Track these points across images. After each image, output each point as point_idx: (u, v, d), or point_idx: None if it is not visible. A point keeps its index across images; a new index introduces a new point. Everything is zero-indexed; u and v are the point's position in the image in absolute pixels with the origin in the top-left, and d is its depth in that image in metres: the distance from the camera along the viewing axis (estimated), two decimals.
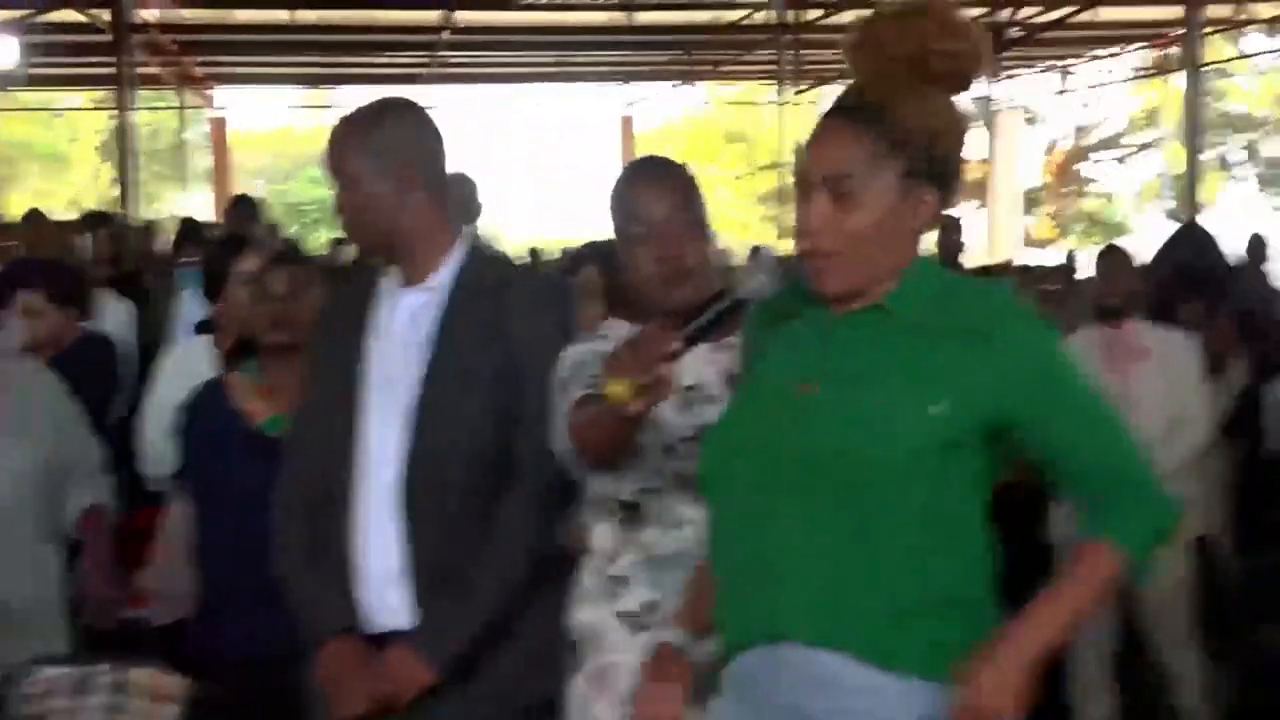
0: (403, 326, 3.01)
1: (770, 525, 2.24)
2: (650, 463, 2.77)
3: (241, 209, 7.96)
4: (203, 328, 4.94)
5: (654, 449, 2.75)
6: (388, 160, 2.96)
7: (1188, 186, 12.44)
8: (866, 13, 2.35)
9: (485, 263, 3.09)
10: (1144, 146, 38.82)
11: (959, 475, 2.23)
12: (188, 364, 4.57)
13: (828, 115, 2.28)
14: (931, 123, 2.25)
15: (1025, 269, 9.80)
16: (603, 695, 2.79)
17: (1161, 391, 5.45)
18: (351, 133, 2.99)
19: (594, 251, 3.83)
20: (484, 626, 2.89)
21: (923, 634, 2.20)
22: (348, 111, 3.09)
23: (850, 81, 2.33)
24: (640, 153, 31.24)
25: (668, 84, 29.20)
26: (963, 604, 2.24)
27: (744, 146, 42.34)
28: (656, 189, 2.86)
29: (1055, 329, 2.32)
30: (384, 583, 2.93)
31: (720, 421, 2.35)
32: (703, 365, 2.81)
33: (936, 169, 2.26)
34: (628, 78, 30.35)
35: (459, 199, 6.77)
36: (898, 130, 2.22)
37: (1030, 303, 2.32)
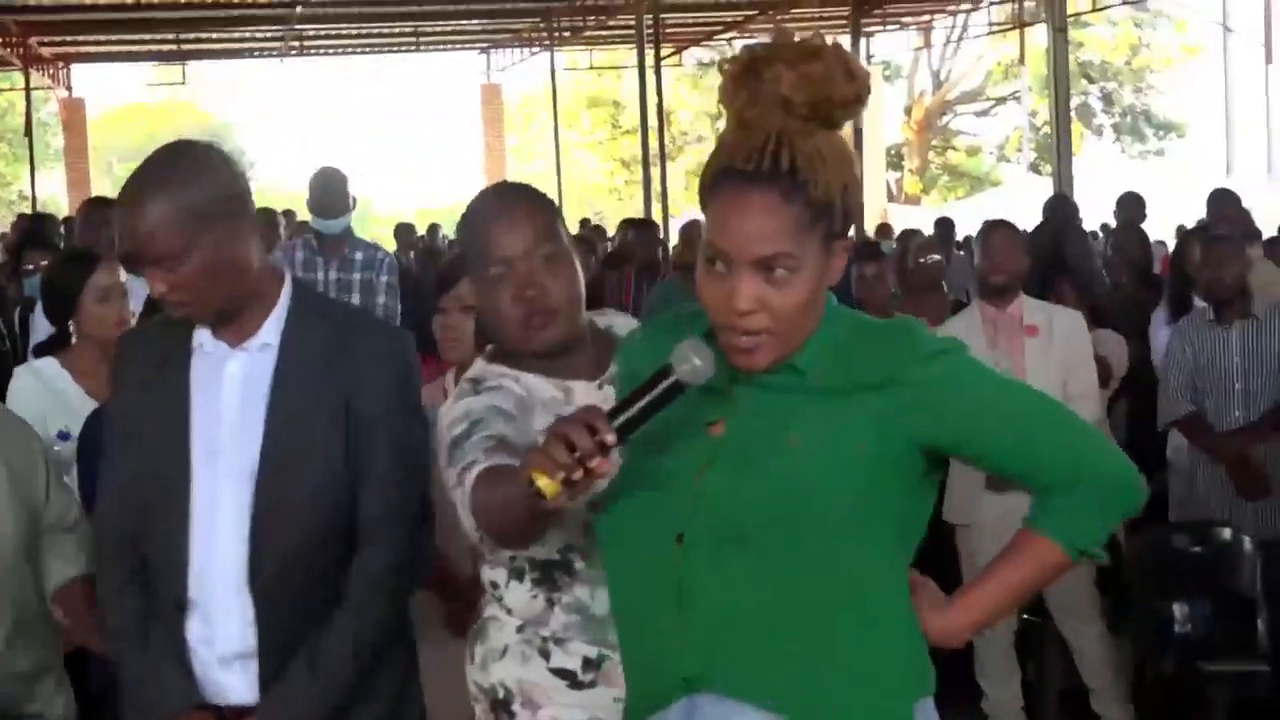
0: (230, 392, 2.77)
1: (684, 577, 2.16)
2: (572, 520, 2.54)
3: (93, 215, 7.66)
4: (43, 349, 4.64)
5: (576, 509, 2.52)
6: (213, 219, 2.66)
7: (1056, 143, 12.44)
8: (746, 50, 2.17)
9: (315, 313, 2.82)
10: (1004, 100, 39.26)
11: (882, 527, 2.18)
12: (34, 391, 4.36)
13: (746, 181, 2.10)
14: (840, 178, 2.14)
15: (907, 235, 9.73)
16: None
17: (1052, 368, 5.38)
18: (158, 199, 2.63)
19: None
20: (334, 699, 2.75)
21: (846, 678, 2.15)
22: (135, 180, 2.71)
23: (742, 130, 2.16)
24: (504, 118, 31.00)
25: (528, 50, 28.93)
26: (886, 661, 2.19)
27: (606, 111, 42.25)
28: (513, 222, 2.61)
29: (957, 349, 2.22)
30: (232, 662, 2.76)
31: (623, 475, 2.10)
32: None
33: (849, 222, 2.20)
34: (488, 45, 30.09)
35: (336, 193, 6.57)
36: (820, 195, 2.11)
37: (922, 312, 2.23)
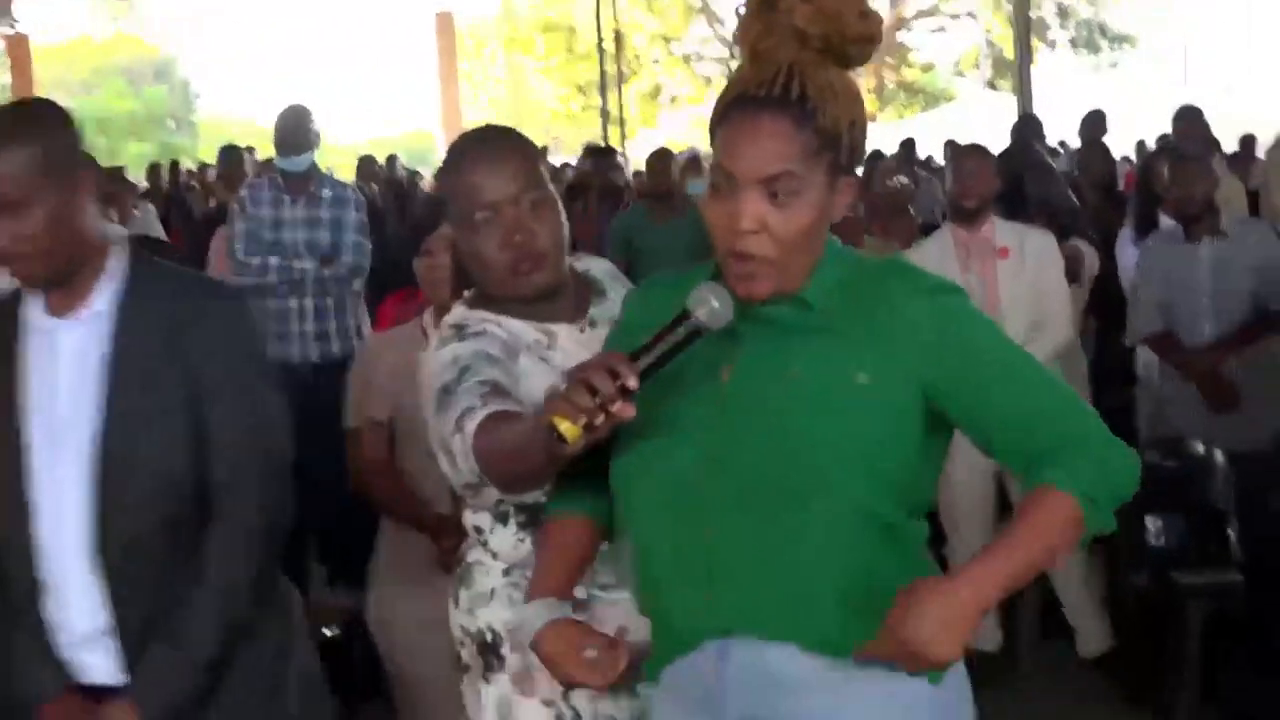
0: (66, 366, 2.70)
1: (708, 521, 2.14)
2: None
3: None
4: None
5: None
6: (58, 174, 2.62)
7: (1019, 58, 12.42)
8: None
9: (154, 282, 2.76)
10: (959, 16, 39.16)
11: (889, 463, 2.12)
12: None
13: (752, 109, 2.11)
14: (850, 112, 2.15)
15: (872, 158, 9.71)
16: (531, 695, 2.64)
17: (1024, 291, 5.40)
18: (11, 146, 2.60)
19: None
20: (202, 672, 2.73)
21: (874, 624, 2.04)
22: None
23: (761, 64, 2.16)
24: (458, 46, 30.70)
25: None
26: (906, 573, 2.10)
27: (560, 36, 41.98)
28: (499, 166, 2.59)
29: (959, 291, 2.20)
30: (90, 641, 2.74)
31: (639, 421, 2.08)
32: (580, 351, 2.60)
33: (856, 158, 2.19)
34: None
35: (301, 129, 6.52)
36: (829, 125, 2.12)
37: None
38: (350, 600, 4.86)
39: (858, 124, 2.17)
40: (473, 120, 33.80)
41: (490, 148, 2.63)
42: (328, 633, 4.87)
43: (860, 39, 2.17)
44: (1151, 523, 5.23)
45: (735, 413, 2.15)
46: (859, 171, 2.26)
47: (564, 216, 2.66)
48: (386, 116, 40.56)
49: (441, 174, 2.69)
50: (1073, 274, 5.88)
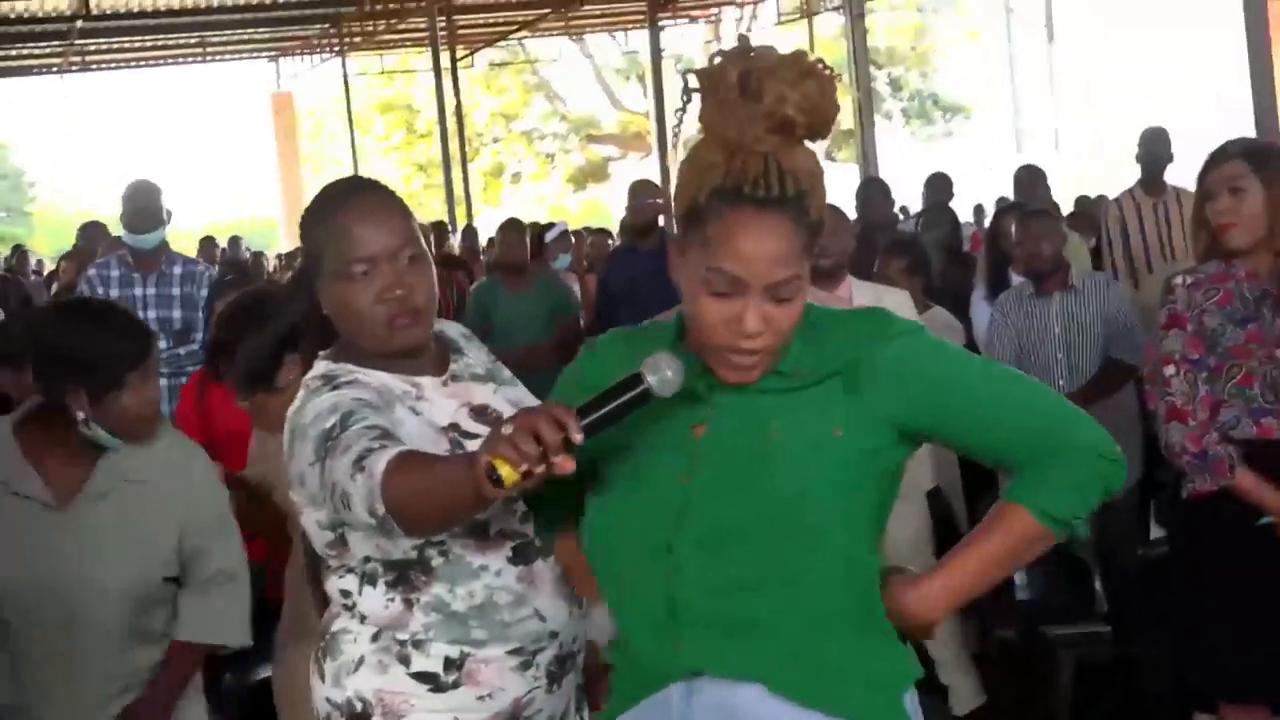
0: None
1: (676, 567, 2.19)
2: None
3: None
4: None
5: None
6: None
7: (860, 130, 12.64)
8: (734, 66, 2.14)
9: None
10: None
11: (864, 515, 2.21)
12: None
13: (759, 208, 2.10)
14: (825, 192, 2.18)
15: None
16: None
17: None
18: None
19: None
20: None
21: (839, 669, 2.19)
22: None
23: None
24: (297, 128, 30.42)
25: (319, 57, 28.56)
26: (875, 638, 2.23)
27: (401, 115, 41.92)
28: (379, 220, 2.56)
29: (918, 330, 2.25)
30: None
31: (610, 483, 2.22)
32: (448, 403, 2.61)
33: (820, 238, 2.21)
34: (277, 54, 29.65)
35: (149, 206, 6.41)
36: (816, 217, 2.15)
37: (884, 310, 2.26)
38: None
39: (824, 201, 2.19)
40: None
41: (368, 200, 2.60)
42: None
43: (830, 120, 2.17)
44: (1018, 577, 5.29)
45: (710, 468, 2.19)
46: None
47: (435, 275, 2.63)
48: (227, 202, 40.15)
49: (310, 223, 2.63)
50: None
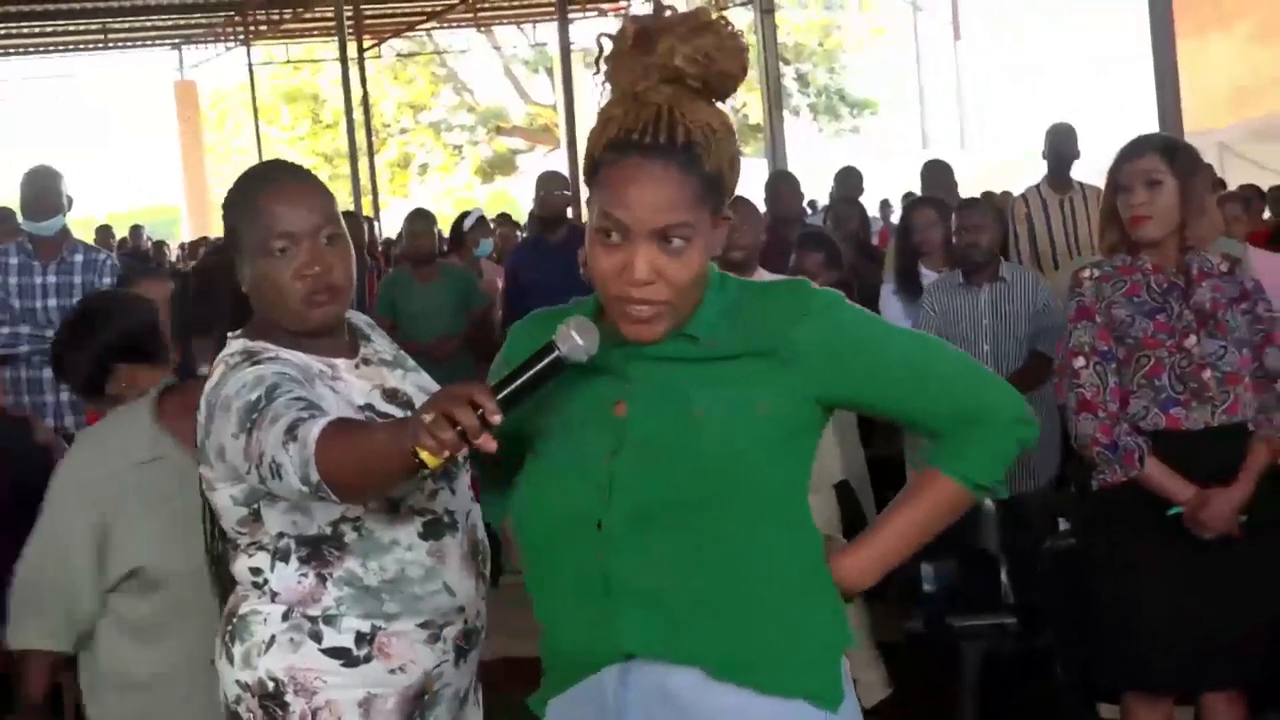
0: None
1: (607, 549, 2.19)
2: None
3: None
4: None
5: None
6: None
7: (769, 122, 12.67)
8: (634, 21, 2.18)
9: None
10: None
11: (793, 486, 2.24)
12: None
13: (644, 154, 2.12)
14: (730, 149, 2.19)
15: None
16: None
17: None
18: None
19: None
20: None
21: (778, 647, 2.19)
22: None
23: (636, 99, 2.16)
24: (200, 117, 30.15)
25: (223, 45, 28.26)
26: (810, 618, 2.23)
27: (306, 105, 41.62)
28: (301, 198, 2.61)
29: (837, 301, 2.26)
30: None
31: (533, 462, 2.26)
32: (361, 384, 2.65)
33: (730, 197, 2.22)
34: (180, 41, 29.31)
35: (49, 192, 6.28)
36: (713, 169, 2.15)
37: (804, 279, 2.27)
38: None
39: (734, 162, 2.20)
40: (220, 192, 33.25)
41: (289, 179, 2.66)
42: None
43: (734, 75, 2.20)
44: (924, 569, 5.30)
45: (634, 445, 2.19)
46: None
47: (352, 253, 2.67)
48: (128, 190, 39.64)
49: (232, 202, 2.65)
50: None
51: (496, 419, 2.00)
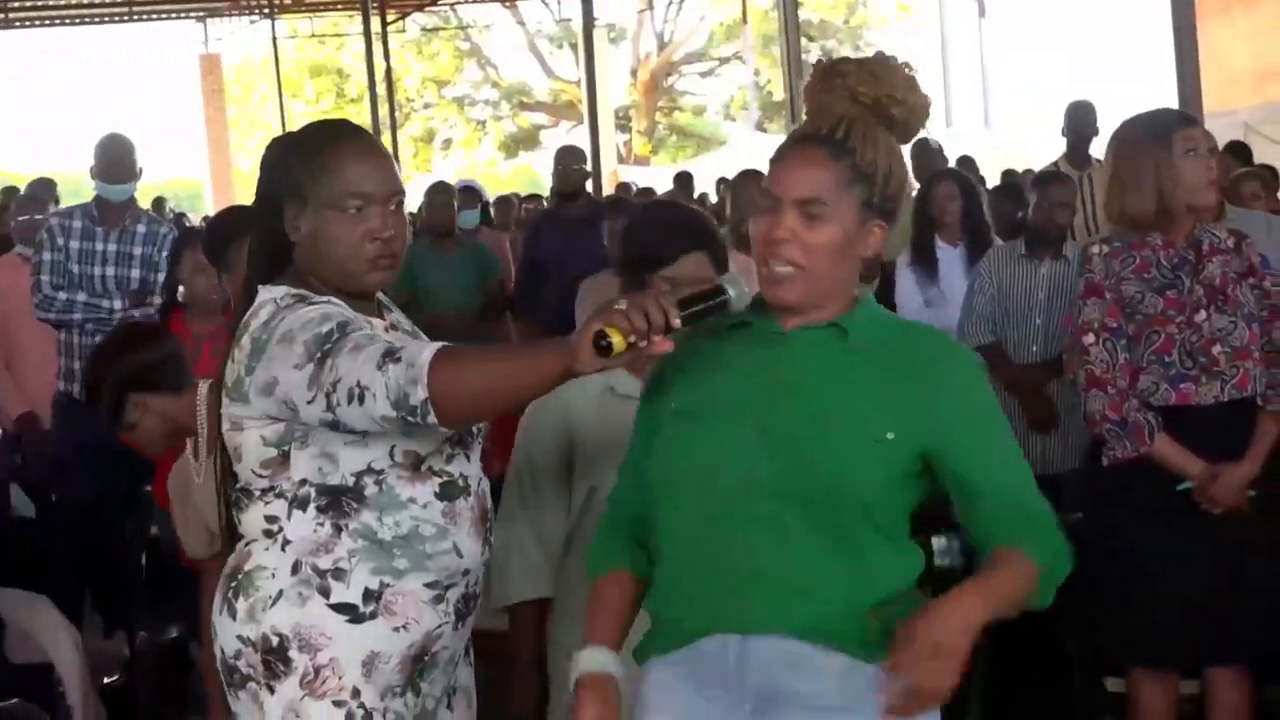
0: None
1: (739, 533, 2.42)
2: (378, 442, 2.62)
3: None
4: None
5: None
6: None
7: (790, 104, 12.65)
8: (829, 59, 2.60)
9: None
10: (727, 60, 39.78)
11: (904, 490, 2.44)
12: None
13: (800, 143, 2.49)
14: (887, 161, 2.47)
15: (644, 194, 9.83)
16: (321, 696, 2.63)
17: None
18: None
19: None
20: None
21: (885, 625, 2.34)
22: None
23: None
24: (225, 90, 30.05)
25: (247, 19, 28.27)
26: (910, 596, 2.44)
27: (330, 79, 41.61)
28: (379, 161, 2.70)
29: (979, 371, 2.55)
30: None
31: (681, 431, 2.48)
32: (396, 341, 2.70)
33: (887, 205, 2.49)
34: (205, 14, 29.33)
35: (124, 157, 6.29)
36: (861, 164, 2.45)
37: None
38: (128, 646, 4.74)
39: (894, 177, 2.48)
40: (245, 166, 33.32)
41: (367, 142, 2.76)
42: (108, 680, 4.71)
43: (902, 104, 2.53)
44: (937, 543, 5.30)
45: (773, 433, 2.42)
46: None
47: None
48: (152, 164, 39.66)
49: (297, 154, 2.70)
50: None
51: (676, 322, 2.28)
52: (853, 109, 2.50)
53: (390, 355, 2.40)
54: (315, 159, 2.67)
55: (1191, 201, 3.92)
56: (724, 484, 2.42)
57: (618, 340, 2.26)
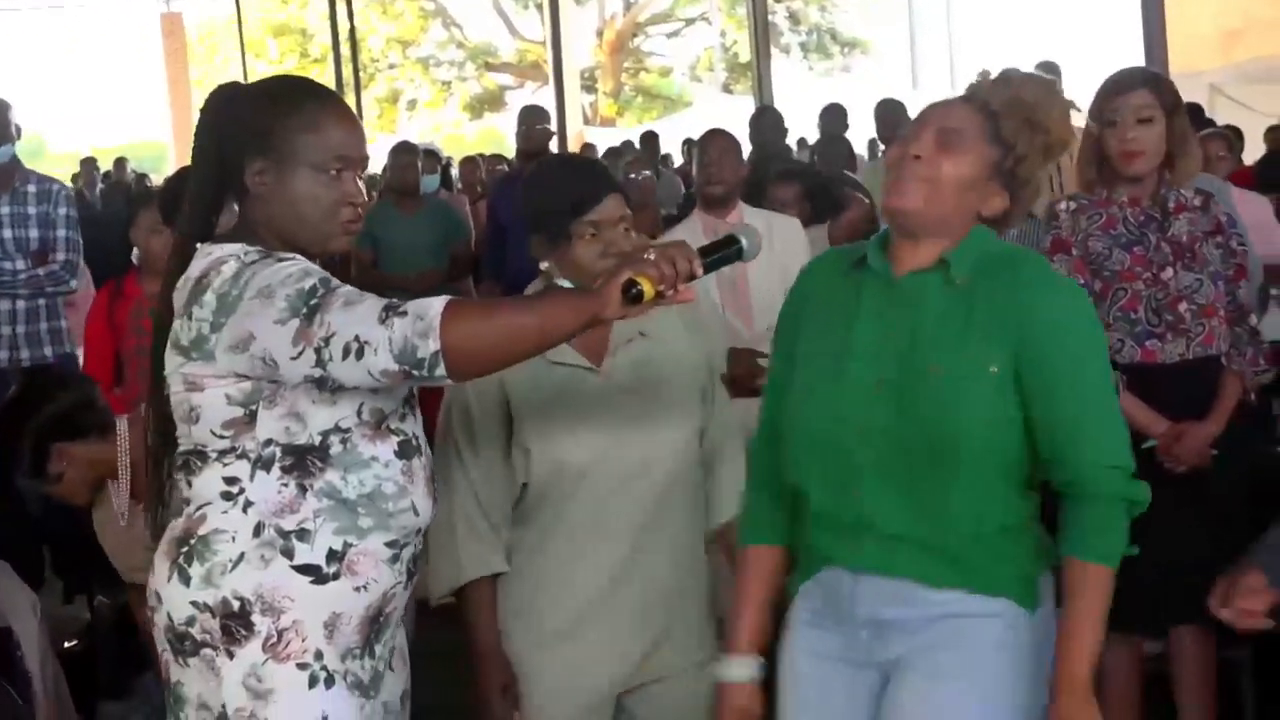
0: None
1: (851, 481, 2.61)
2: (347, 400, 2.60)
3: None
4: None
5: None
6: None
7: (756, 64, 12.61)
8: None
9: None
10: (693, 20, 39.67)
11: (1010, 431, 2.56)
12: None
13: (952, 100, 2.69)
14: (1024, 145, 2.63)
15: (613, 153, 9.78)
16: (285, 660, 2.60)
17: (773, 274, 5.39)
18: None
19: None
20: None
21: (991, 559, 2.60)
22: None
23: None
24: (187, 50, 29.86)
25: None
26: (1020, 529, 2.64)
27: (294, 39, 41.35)
28: (357, 127, 2.73)
29: (1078, 298, 2.65)
30: None
31: (803, 381, 2.68)
32: None
33: (1014, 182, 2.64)
34: None
35: (1, 122, 6.24)
36: (1007, 134, 2.62)
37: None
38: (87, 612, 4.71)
39: (1029, 160, 2.63)
40: None
41: (344, 104, 2.76)
42: (68, 644, 4.68)
43: (1059, 142, 2.69)
44: None
45: (885, 394, 2.58)
46: None
47: None
48: (114, 124, 39.39)
49: (277, 104, 2.65)
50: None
51: (700, 272, 2.49)
52: (1017, 121, 2.63)
53: (393, 309, 2.41)
54: (295, 114, 2.63)
55: (1119, 170, 3.94)
56: (839, 432, 2.61)
57: (648, 288, 2.43)
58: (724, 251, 2.59)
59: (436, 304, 2.40)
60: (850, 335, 2.64)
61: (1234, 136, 8.12)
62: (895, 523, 2.58)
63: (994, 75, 2.75)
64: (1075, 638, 2.54)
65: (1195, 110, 8.88)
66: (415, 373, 2.40)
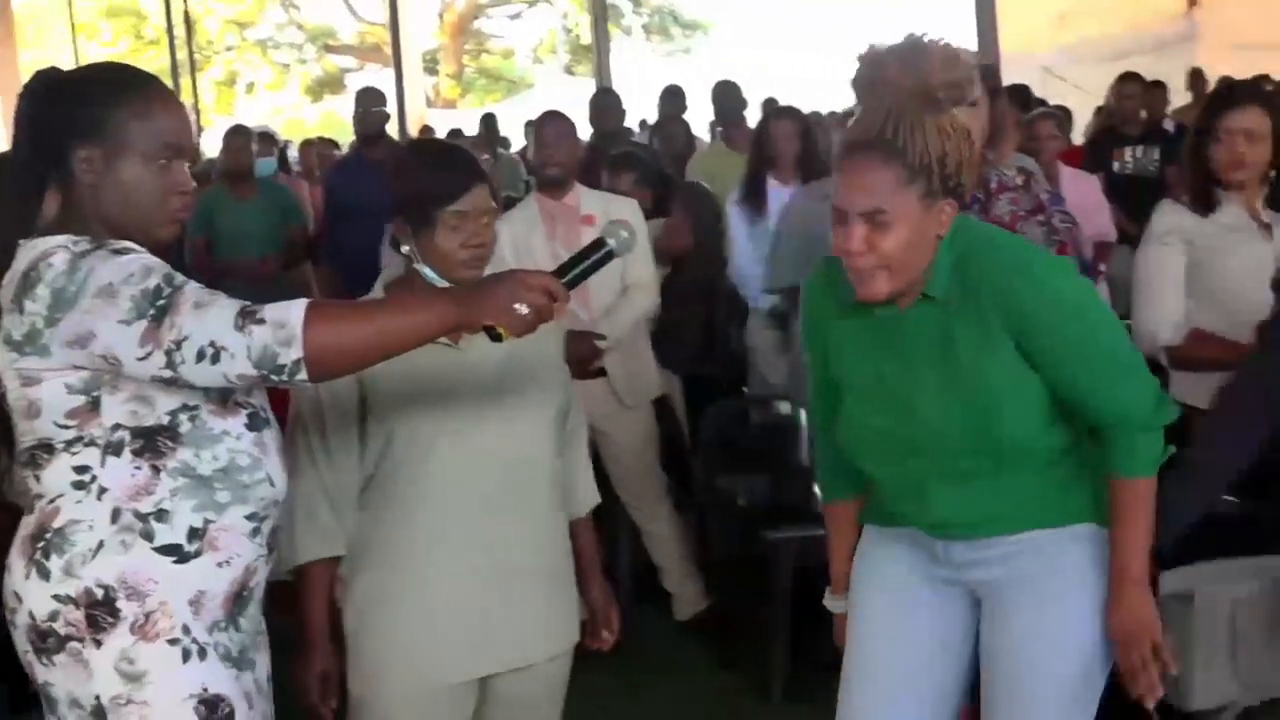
0: None
1: (912, 461, 2.83)
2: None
3: None
4: None
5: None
6: None
7: (596, 45, 12.62)
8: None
9: None
10: (535, 2, 39.56)
11: (1036, 384, 2.74)
12: None
13: (853, 152, 2.68)
14: (940, 146, 2.66)
15: (453, 135, 9.74)
16: (154, 639, 2.58)
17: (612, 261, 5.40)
18: None
19: None
20: None
21: (1058, 492, 2.84)
22: None
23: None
24: (15, 34, 29.06)
25: None
26: (1068, 454, 2.84)
27: (128, 21, 40.58)
28: (181, 113, 2.70)
29: (1068, 269, 2.82)
30: None
31: (850, 410, 2.89)
32: None
33: (949, 183, 2.70)
34: None
35: None
36: (913, 160, 2.65)
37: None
38: None
39: (950, 157, 2.68)
40: None
41: (170, 93, 2.72)
42: None
43: (945, 85, 2.86)
44: (740, 483, 5.33)
45: (927, 388, 2.78)
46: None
47: None
48: None
49: (109, 91, 2.61)
50: (680, 247, 6.08)
51: (565, 299, 2.52)
52: (898, 101, 2.69)
53: (250, 316, 2.39)
54: (126, 102, 2.60)
55: None
56: (894, 452, 2.83)
57: (505, 334, 2.50)
58: (594, 257, 2.62)
59: (296, 311, 2.39)
60: (880, 368, 2.82)
61: (1064, 116, 8.27)
62: (966, 514, 2.84)
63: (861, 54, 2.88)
64: (1127, 541, 2.78)
65: (1025, 91, 9.04)
66: (274, 377, 2.40)
